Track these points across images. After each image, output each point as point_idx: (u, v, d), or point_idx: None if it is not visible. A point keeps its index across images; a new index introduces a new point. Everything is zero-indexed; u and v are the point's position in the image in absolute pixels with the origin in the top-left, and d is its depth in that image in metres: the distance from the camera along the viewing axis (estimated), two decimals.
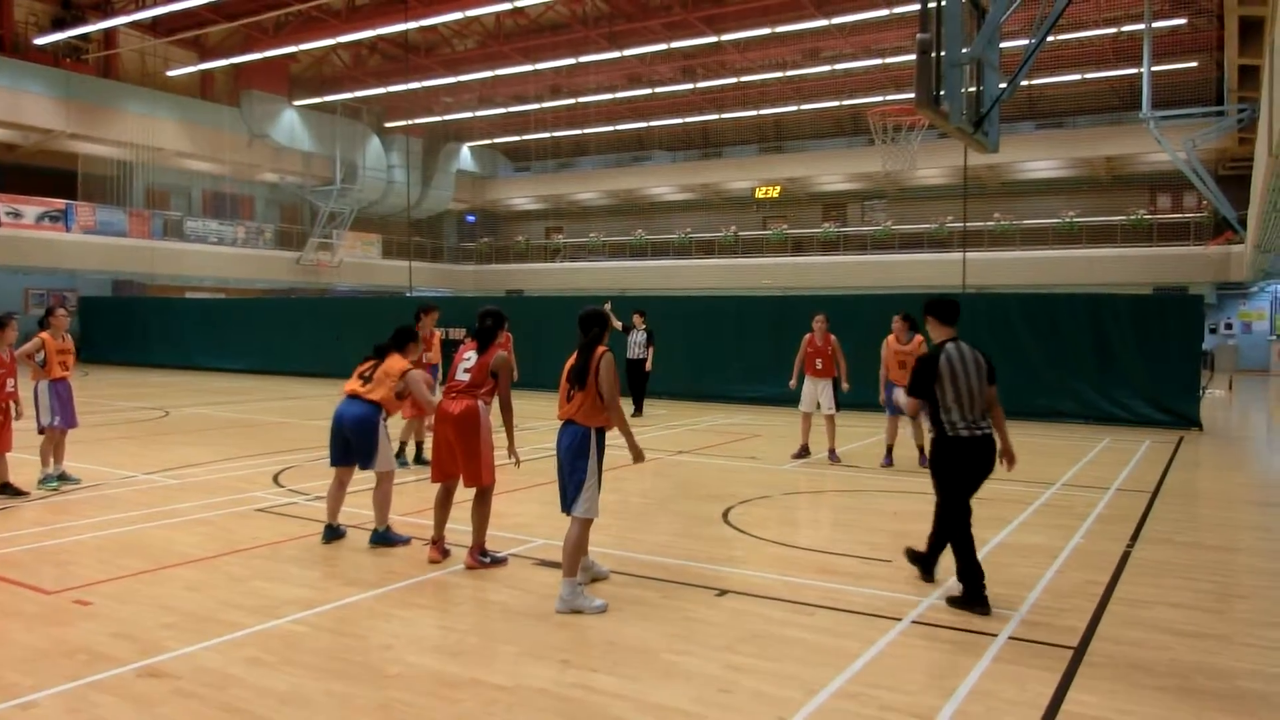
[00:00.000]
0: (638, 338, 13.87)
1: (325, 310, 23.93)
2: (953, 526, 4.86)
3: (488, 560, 5.46)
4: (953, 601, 4.85)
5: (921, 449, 9.57)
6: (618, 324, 13.82)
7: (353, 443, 5.93)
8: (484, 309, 5.59)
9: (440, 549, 5.61)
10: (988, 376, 4.89)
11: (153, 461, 9.28)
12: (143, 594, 4.91)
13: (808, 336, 9.59)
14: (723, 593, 5.04)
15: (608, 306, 13.64)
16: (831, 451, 9.64)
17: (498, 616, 4.65)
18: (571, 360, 4.88)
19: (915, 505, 7.71)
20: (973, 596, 4.77)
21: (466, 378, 5.43)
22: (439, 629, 4.44)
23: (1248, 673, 4.00)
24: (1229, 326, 29.96)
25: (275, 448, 10.35)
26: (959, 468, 4.85)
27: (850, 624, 4.56)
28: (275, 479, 8.40)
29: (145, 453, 9.96)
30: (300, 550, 5.88)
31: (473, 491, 5.48)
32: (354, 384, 6.04)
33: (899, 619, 4.61)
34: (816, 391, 9.59)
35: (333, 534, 6.03)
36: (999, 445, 4.93)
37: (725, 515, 7.02)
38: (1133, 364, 13.33)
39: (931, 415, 4.93)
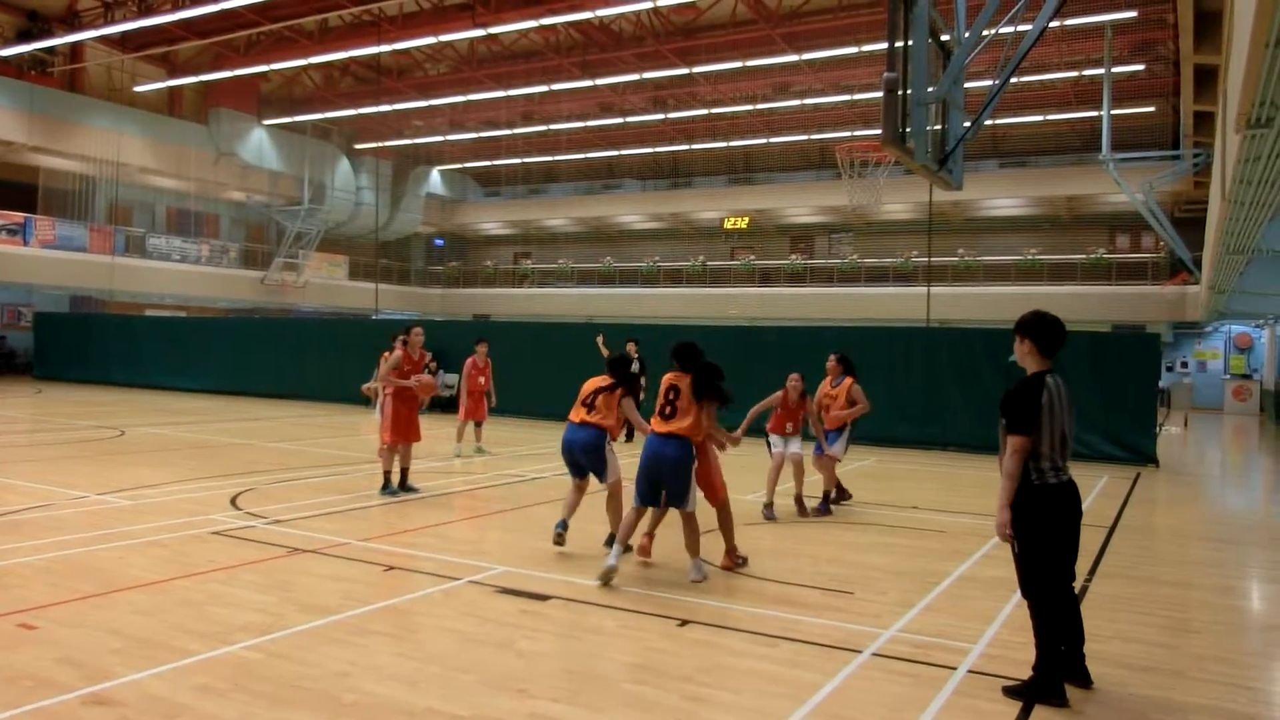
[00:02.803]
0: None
1: (289, 331, 23.60)
2: (1044, 594, 4.04)
3: (742, 561, 6.30)
4: (1011, 692, 4.07)
5: (827, 494, 8.69)
6: (606, 352, 13.67)
7: (583, 463, 6.50)
8: (679, 345, 6.22)
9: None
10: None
11: (107, 482, 9.03)
12: (92, 618, 4.76)
13: (780, 394, 8.35)
14: (684, 623, 5.02)
15: (600, 339, 13.45)
16: (799, 499, 8.61)
17: (457, 645, 4.58)
18: (672, 383, 5.96)
19: (872, 537, 7.76)
20: (1046, 686, 4.00)
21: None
22: (396, 656, 4.36)
23: (1200, 708, 4.07)
24: (1184, 365, 30.83)
25: (234, 470, 10.14)
26: (1051, 521, 4.04)
27: (811, 655, 4.56)
28: (233, 502, 8.22)
29: (99, 472, 9.68)
30: (257, 575, 5.74)
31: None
32: (580, 411, 6.55)
33: (859, 651, 4.62)
34: (785, 447, 8.51)
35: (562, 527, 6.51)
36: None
37: None
38: (1091, 400, 13.61)
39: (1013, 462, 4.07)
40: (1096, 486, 10.76)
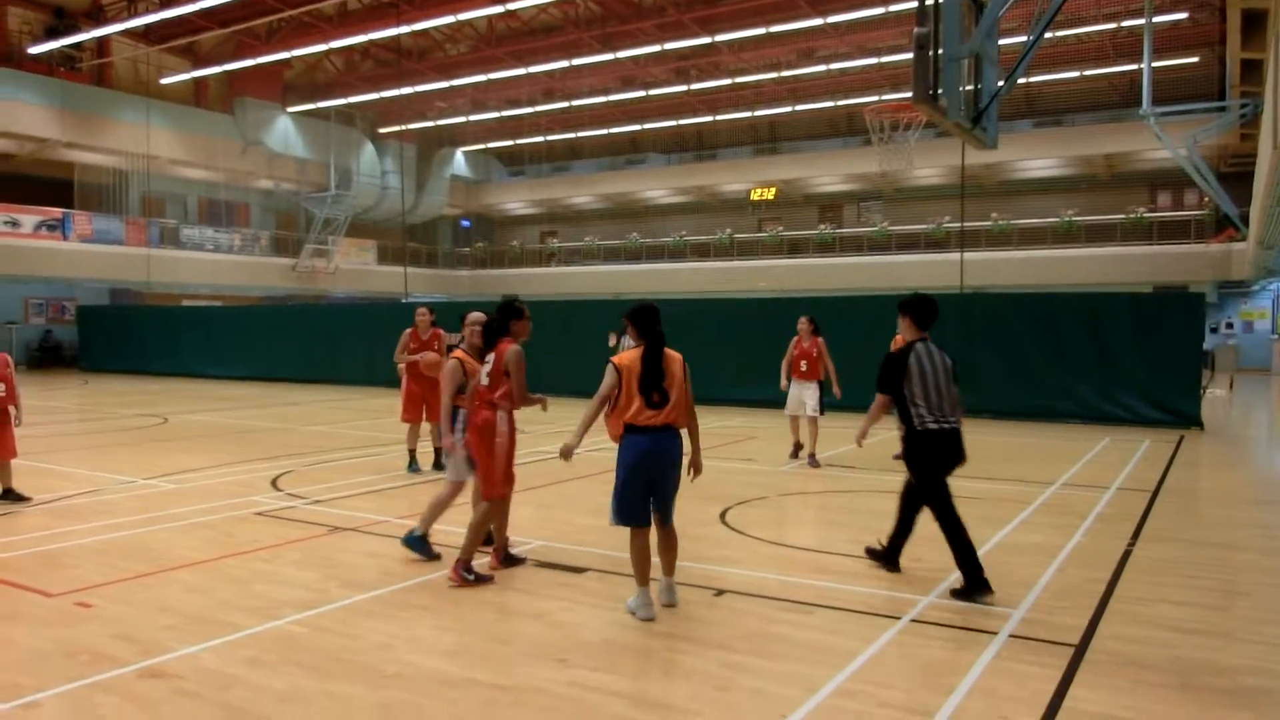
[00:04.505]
0: (626, 343, 13.41)
1: (321, 317, 23.90)
2: (941, 513, 5.04)
3: (471, 578, 5.11)
4: (957, 594, 4.92)
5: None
6: (614, 343, 13.32)
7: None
8: (501, 302, 5.46)
9: (499, 557, 5.45)
10: (953, 376, 5.17)
11: (152, 467, 9.27)
12: (143, 596, 4.90)
13: (795, 339, 9.72)
14: (720, 592, 5.03)
15: (612, 341, 13.07)
16: (812, 456, 9.52)
17: (495, 617, 4.64)
18: (637, 365, 4.56)
19: None
20: (974, 584, 4.87)
21: (486, 382, 5.26)
22: (437, 629, 4.43)
23: (1250, 669, 3.99)
24: (1230, 326, 29.97)
25: (273, 453, 10.33)
26: (931, 458, 5.09)
27: (848, 623, 4.55)
28: (274, 483, 8.38)
29: (145, 458, 9.94)
30: (299, 553, 5.86)
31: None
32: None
33: (897, 618, 4.60)
34: (802, 394, 9.60)
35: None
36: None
37: (722, 516, 7.01)
38: (1133, 363, 13.32)
39: (901, 411, 5.16)
40: (1139, 451, 10.54)
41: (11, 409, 7.46)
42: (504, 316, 5.27)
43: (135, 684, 3.73)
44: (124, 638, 4.26)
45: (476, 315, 5.71)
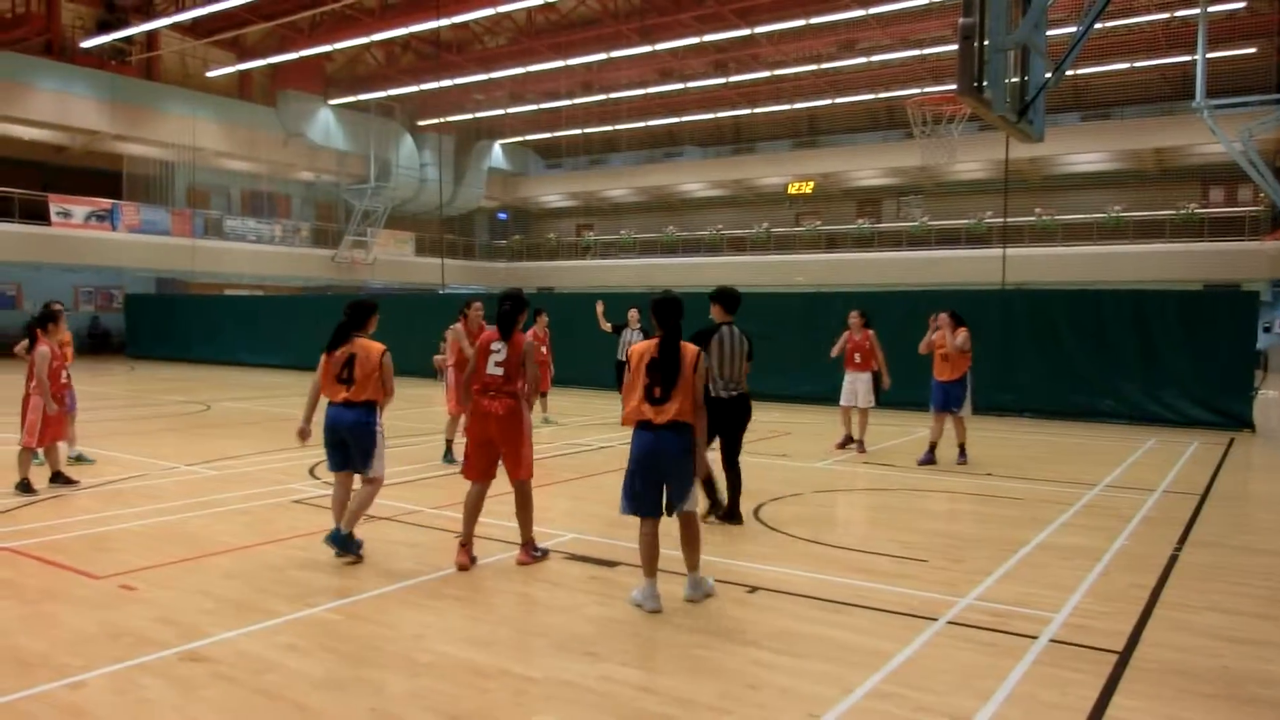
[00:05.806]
0: (631, 337, 12.32)
1: None
2: (730, 459, 6.56)
3: (539, 554, 5.50)
4: (721, 517, 6.48)
5: (962, 447, 9.44)
6: (606, 326, 12.63)
7: (350, 445, 5.64)
8: (503, 292, 5.52)
9: (469, 553, 5.38)
10: (747, 355, 6.39)
11: (195, 453, 9.47)
12: (185, 580, 5.01)
13: (846, 332, 10.11)
14: (753, 589, 4.99)
15: (600, 307, 12.86)
16: (859, 443, 10.06)
17: (527, 608, 4.66)
18: (650, 355, 4.58)
19: (946, 505, 7.58)
20: (731, 513, 6.51)
21: (500, 372, 5.30)
22: (470, 620, 4.46)
23: None
24: None
25: (311, 441, 10.44)
26: (718, 417, 6.26)
27: (884, 623, 4.48)
28: (311, 472, 8.51)
29: (188, 445, 10.17)
30: None
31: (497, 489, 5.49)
32: (339, 390, 5.62)
33: (934, 619, 4.52)
34: (855, 384, 10.04)
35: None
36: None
37: (756, 512, 6.95)
38: (1180, 363, 12.96)
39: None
40: (1187, 453, 10.24)
41: (65, 394, 7.68)
42: (515, 308, 5.41)
43: (177, 667, 3.82)
44: (166, 621, 4.35)
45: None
